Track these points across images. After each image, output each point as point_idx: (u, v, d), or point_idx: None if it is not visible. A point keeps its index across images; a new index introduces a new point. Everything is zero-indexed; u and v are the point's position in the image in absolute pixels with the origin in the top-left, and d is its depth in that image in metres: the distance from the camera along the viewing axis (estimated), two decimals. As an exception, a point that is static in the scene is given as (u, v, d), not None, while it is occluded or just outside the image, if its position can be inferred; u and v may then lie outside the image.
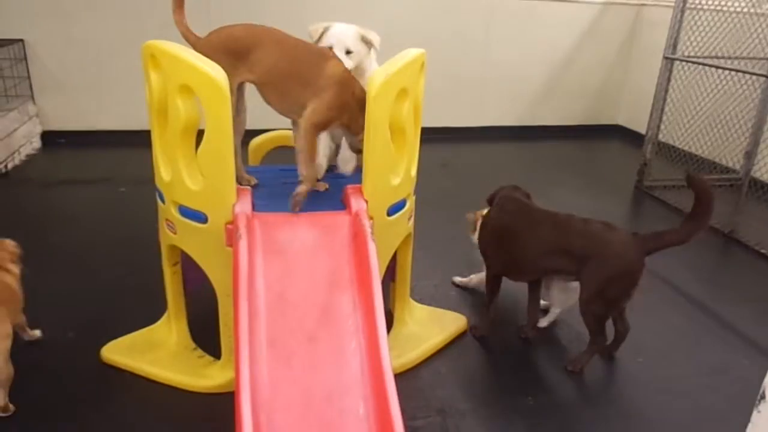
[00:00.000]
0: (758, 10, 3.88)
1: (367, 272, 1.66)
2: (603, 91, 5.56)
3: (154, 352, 2.09)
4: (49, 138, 4.45)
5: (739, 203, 3.43)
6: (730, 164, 4.10)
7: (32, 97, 4.35)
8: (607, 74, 5.49)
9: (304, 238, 1.75)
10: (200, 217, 1.79)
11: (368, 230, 1.71)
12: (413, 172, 2.03)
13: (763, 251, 3.20)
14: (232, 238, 1.70)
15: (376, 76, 1.70)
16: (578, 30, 5.28)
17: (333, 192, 1.95)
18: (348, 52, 2.00)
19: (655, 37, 4.66)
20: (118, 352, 2.10)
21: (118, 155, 4.30)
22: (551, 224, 2.16)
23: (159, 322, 2.21)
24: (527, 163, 4.81)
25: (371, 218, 1.83)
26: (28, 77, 4.31)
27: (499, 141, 5.24)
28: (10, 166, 3.97)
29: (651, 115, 4.09)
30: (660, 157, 4.21)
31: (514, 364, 2.22)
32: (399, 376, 2.07)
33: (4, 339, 1.79)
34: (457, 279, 2.73)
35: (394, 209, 1.93)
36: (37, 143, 4.38)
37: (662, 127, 4.15)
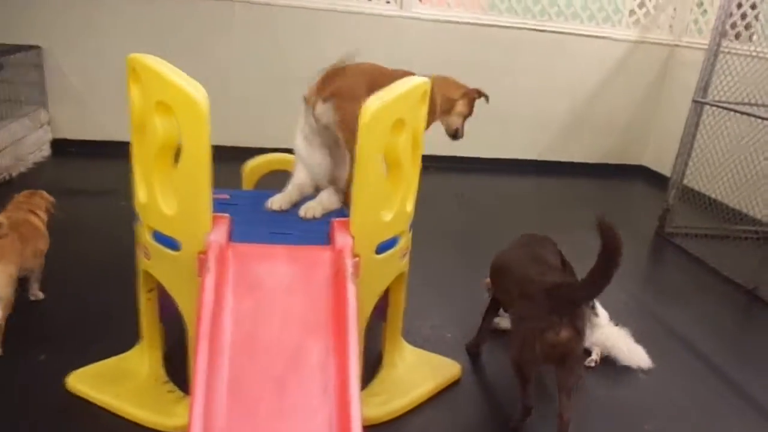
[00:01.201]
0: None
1: (344, 316, 1.51)
2: (629, 130, 5.37)
3: (122, 384, 1.96)
4: (60, 146, 4.42)
5: (765, 257, 3.21)
6: (758, 216, 3.88)
7: (45, 105, 4.33)
8: (634, 113, 5.32)
9: (281, 274, 1.62)
10: (173, 244, 1.67)
11: (349, 270, 1.57)
12: (409, 207, 1.89)
13: (789, 312, 2.97)
14: (203, 269, 1.57)
15: (369, 105, 1.58)
16: (607, 66, 5.12)
17: (321, 224, 1.82)
18: None
19: (686, 78, 4.49)
20: (85, 380, 1.97)
21: (128, 167, 4.23)
22: (521, 266, 2.04)
23: (131, 351, 2.08)
24: (546, 199, 4.65)
25: (357, 256, 1.69)
26: (43, 84, 4.30)
27: (518, 175, 5.08)
28: (15, 173, 3.93)
29: (676, 159, 3.90)
30: (684, 203, 4.01)
31: (507, 419, 2.04)
32: (384, 426, 1.93)
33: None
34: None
35: (384, 247, 1.79)
36: (46, 151, 4.35)
37: (688, 172, 3.96)
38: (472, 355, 2.35)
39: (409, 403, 1.99)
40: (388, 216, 1.76)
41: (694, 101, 3.75)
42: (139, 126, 1.67)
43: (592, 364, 2.36)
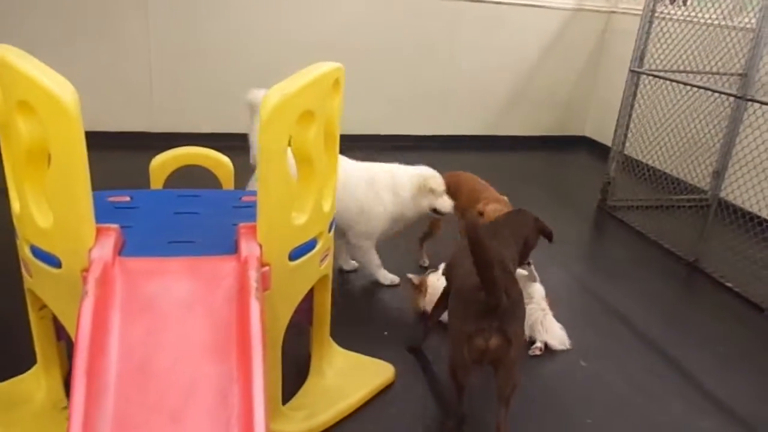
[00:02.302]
0: (729, 23, 3.66)
1: (247, 337, 1.35)
2: (571, 100, 5.32)
3: (15, 411, 1.75)
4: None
5: (706, 228, 3.19)
6: (700, 184, 3.88)
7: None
8: (575, 84, 5.25)
9: (178, 291, 1.43)
10: (53, 261, 1.46)
11: (253, 284, 1.40)
12: (327, 206, 1.72)
13: (728, 284, 2.96)
14: (86, 291, 1.38)
15: (270, 97, 1.39)
16: (547, 37, 5.02)
17: (230, 229, 1.63)
18: None
19: (624, 47, 4.41)
20: (-28, 410, 1.76)
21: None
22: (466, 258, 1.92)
23: (28, 373, 1.87)
24: (489, 174, 4.47)
25: (267, 265, 1.53)
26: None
27: (462, 151, 4.96)
28: None
29: (615, 131, 3.85)
30: (626, 174, 3.97)
31: (441, 425, 1.93)
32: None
33: None
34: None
35: (299, 252, 1.62)
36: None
37: (628, 143, 3.91)
38: (414, 352, 2.23)
39: (335, 416, 1.85)
40: (300, 218, 1.60)
41: (631, 70, 3.68)
42: (3, 128, 1.44)
43: (537, 352, 2.28)
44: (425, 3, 4.61)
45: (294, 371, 2.02)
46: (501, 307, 1.58)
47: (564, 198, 4.13)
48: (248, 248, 1.50)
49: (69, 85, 1.30)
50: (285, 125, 1.44)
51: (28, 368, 1.86)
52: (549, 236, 2.18)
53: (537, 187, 4.27)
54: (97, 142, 4.21)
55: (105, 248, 1.42)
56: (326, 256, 1.81)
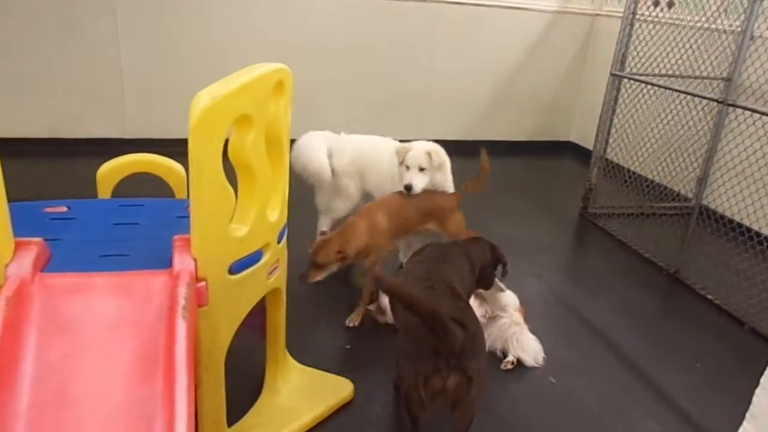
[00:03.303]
0: (713, 26, 3.58)
1: (171, 360, 1.25)
2: (555, 105, 5.24)
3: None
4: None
5: (687, 236, 3.11)
6: (683, 191, 3.80)
7: None
8: (559, 87, 5.18)
9: (103, 310, 1.33)
10: (-31, 277, 1.36)
11: (181, 302, 1.30)
12: (274, 216, 1.62)
13: (709, 296, 2.87)
14: (2, 310, 1.27)
15: (198, 101, 1.29)
16: (529, 40, 4.94)
17: (168, 242, 1.52)
18: (421, 169, 2.53)
19: (608, 50, 4.33)
20: None
21: (12, 167, 3.80)
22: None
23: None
24: (467, 181, 4.44)
25: (203, 280, 1.43)
26: None
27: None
28: None
29: (597, 136, 3.77)
30: (609, 180, 3.88)
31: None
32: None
33: None
34: None
35: (241, 265, 1.52)
36: None
37: (610, 148, 3.83)
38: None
39: (286, 437, 1.76)
40: (241, 230, 1.50)
41: (612, 74, 3.60)
42: None
43: (509, 366, 2.19)
44: (402, 4, 4.52)
45: (250, 387, 1.92)
46: (460, 343, 1.47)
47: (545, 205, 4.03)
48: (181, 262, 1.40)
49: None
50: (216, 131, 1.34)
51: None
52: (504, 265, 2.14)
53: (518, 194, 4.18)
54: (67, 149, 4.13)
55: (23, 264, 1.32)
56: (275, 268, 1.71)
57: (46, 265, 1.40)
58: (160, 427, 1.23)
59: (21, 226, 1.37)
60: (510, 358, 2.21)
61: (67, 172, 3.75)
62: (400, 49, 4.66)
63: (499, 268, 2.17)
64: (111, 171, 2.04)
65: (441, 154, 2.60)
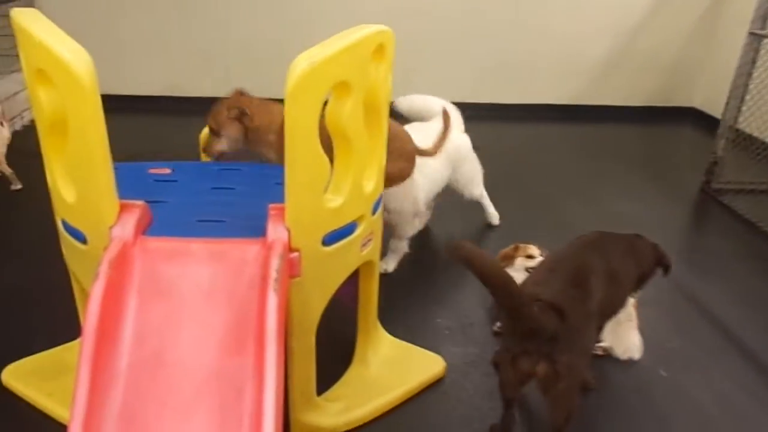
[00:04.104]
0: None
1: (261, 332, 1.23)
2: (677, 67, 4.76)
3: (59, 379, 1.76)
4: (58, 101, 4.23)
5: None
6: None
7: (38, 58, 4.12)
8: (683, 48, 4.69)
9: (199, 276, 1.34)
10: (79, 237, 1.42)
11: (273, 274, 1.27)
12: (369, 187, 1.56)
13: None
14: (108, 270, 1.31)
15: (296, 65, 1.23)
16: (651, -2, 4.50)
17: (262, 207, 1.50)
18: None
19: (746, 5, 3.87)
20: (20, 375, 1.79)
21: (126, 123, 4.01)
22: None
23: (74, 342, 1.88)
24: (577, 150, 4.18)
25: (296, 250, 1.40)
26: (34, 36, 4.07)
27: (548, 122, 4.61)
28: (8, 131, 3.77)
29: (728, 103, 3.38)
30: (738, 152, 3.49)
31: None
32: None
33: None
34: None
35: (334, 237, 1.48)
36: (43, 107, 4.16)
37: (743, 117, 3.42)
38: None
39: (374, 411, 1.73)
40: (336, 201, 1.45)
41: (751, 33, 3.18)
42: (31, 96, 1.39)
43: (600, 352, 2.03)
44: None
45: (340, 356, 1.91)
46: (550, 330, 1.36)
47: (661, 178, 3.71)
48: (275, 232, 1.38)
49: (84, 53, 1.20)
50: (314, 98, 1.28)
51: (75, 337, 1.87)
52: (667, 268, 1.89)
53: (631, 165, 3.87)
54: (182, 106, 4.27)
55: (126, 227, 1.35)
56: (369, 240, 1.65)
57: (148, 227, 1.43)
58: (249, 398, 1.23)
59: (126, 188, 1.40)
60: (603, 343, 2.05)
61: (180, 129, 3.90)
62: (507, 9, 4.40)
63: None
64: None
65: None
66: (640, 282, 1.83)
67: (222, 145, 2.01)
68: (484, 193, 2.86)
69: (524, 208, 3.11)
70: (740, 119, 3.41)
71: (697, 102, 4.86)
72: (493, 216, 2.91)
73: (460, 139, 2.63)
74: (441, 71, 4.48)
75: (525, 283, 1.61)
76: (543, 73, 4.64)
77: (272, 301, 1.24)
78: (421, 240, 2.69)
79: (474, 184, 2.76)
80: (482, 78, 4.58)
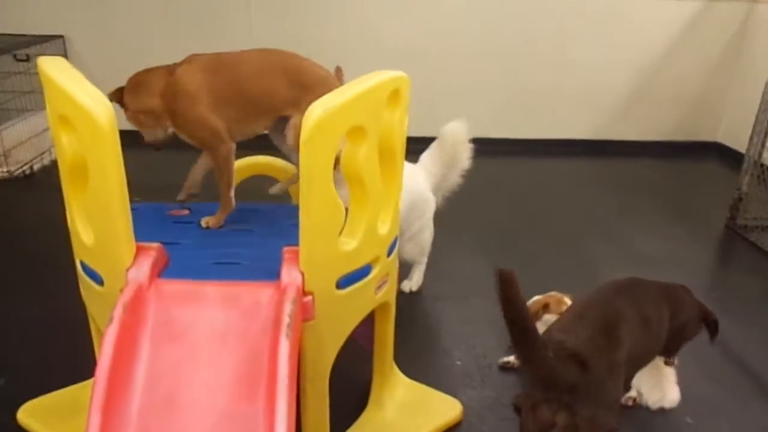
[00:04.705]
0: None
1: (273, 379, 1.22)
2: (701, 101, 4.72)
3: (75, 419, 1.76)
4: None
5: None
6: None
7: (67, 95, 4.26)
8: (706, 82, 4.66)
9: (213, 319, 1.34)
10: (96, 278, 1.44)
11: (285, 319, 1.27)
12: (384, 229, 1.56)
13: None
14: (123, 313, 1.32)
15: (311, 112, 1.25)
16: (674, 31, 4.49)
17: (277, 250, 1.50)
18: None
19: (768, 40, 3.87)
20: (36, 414, 1.80)
21: (155, 159, 4.10)
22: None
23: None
24: (599, 186, 4.14)
25: (310, 294, 1.39)
26: (64, 74, 4.22)
27: (569, 157, 4.59)
28: (36, 167, 3.88)
29: (752, 138, 3.33)
30: (764, 188, 3.43)
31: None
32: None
33: None
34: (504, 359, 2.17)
35: (349, 280, 1.48)
36: (71, 142, 4.28)
37: (767, 152, 3.37)
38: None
39: (389, 457, 1.70)
40: (350, 244, 1.45)
41: (775, 70, 3.15)
42: (55, 141, 1.43)
43: (630, 403, 1.97)
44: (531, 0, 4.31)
45: (355, 398, 1.89)
46: (568, 381, 1.33)
47: (684, 214, 3.65)
48: (289, 275, 1.38)
49: (105, 101, 1.24)
50: (329, 143, 1.29)
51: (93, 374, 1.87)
52: (713, 329, 1.82)
53: (653, 201, 3.82)
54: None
55: (142, 269, 1.36)
56: (384, 282, 1.64)
57: (164, 269, 1.44)
58: (264, 438, 1.21)
59: (145, 229, 1.42)
60: (632, 393, 1.98)
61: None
62: (528, 47, 4.44)
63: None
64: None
65: None
66: (676, 336, 1.75)
67: (148, 136, 1.87)
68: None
69: (546, 246, 3.07)
70: (765, 154, 3.36)
71: (721, 136, 4.81)
72: (415, 283, 2.60)
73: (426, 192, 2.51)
74: (461, 106, 4.50)
75: (551, 328, 1.57)
76: (564, 107, 4.64)
77: (284, 348, 1.24)
78: (436, 272, 2.67)
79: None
80: (503, 112, 4.59)
